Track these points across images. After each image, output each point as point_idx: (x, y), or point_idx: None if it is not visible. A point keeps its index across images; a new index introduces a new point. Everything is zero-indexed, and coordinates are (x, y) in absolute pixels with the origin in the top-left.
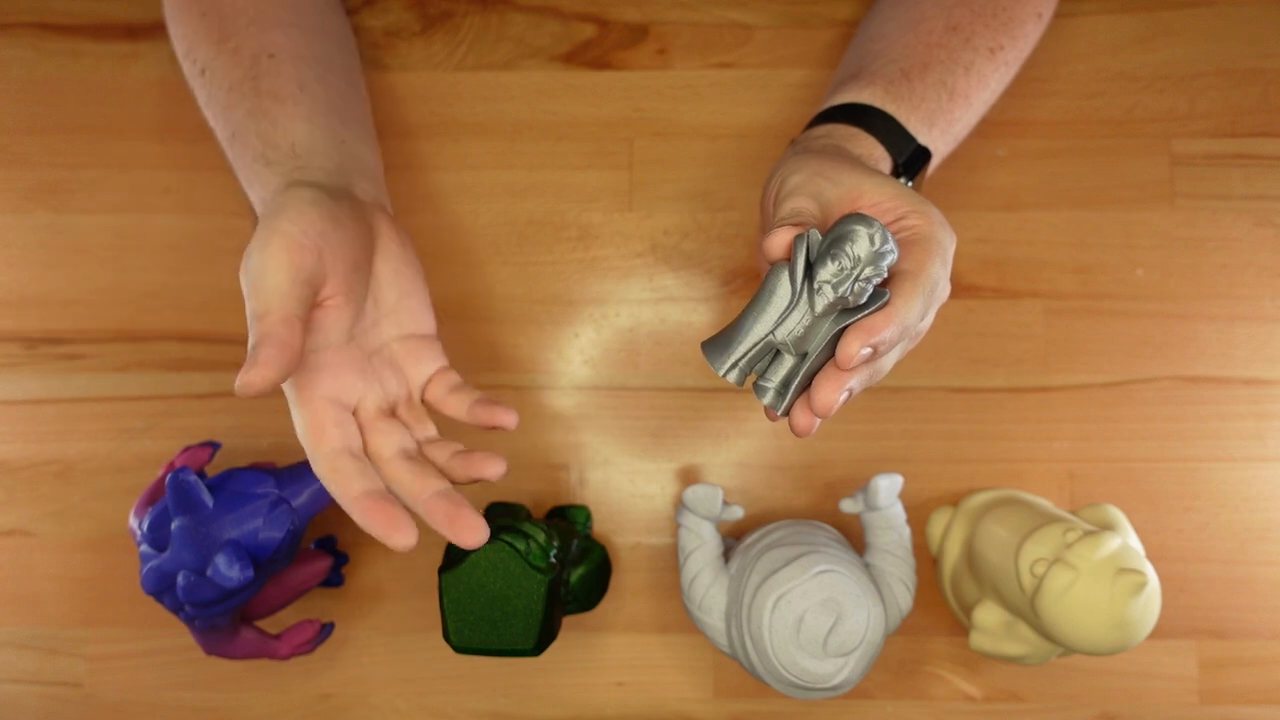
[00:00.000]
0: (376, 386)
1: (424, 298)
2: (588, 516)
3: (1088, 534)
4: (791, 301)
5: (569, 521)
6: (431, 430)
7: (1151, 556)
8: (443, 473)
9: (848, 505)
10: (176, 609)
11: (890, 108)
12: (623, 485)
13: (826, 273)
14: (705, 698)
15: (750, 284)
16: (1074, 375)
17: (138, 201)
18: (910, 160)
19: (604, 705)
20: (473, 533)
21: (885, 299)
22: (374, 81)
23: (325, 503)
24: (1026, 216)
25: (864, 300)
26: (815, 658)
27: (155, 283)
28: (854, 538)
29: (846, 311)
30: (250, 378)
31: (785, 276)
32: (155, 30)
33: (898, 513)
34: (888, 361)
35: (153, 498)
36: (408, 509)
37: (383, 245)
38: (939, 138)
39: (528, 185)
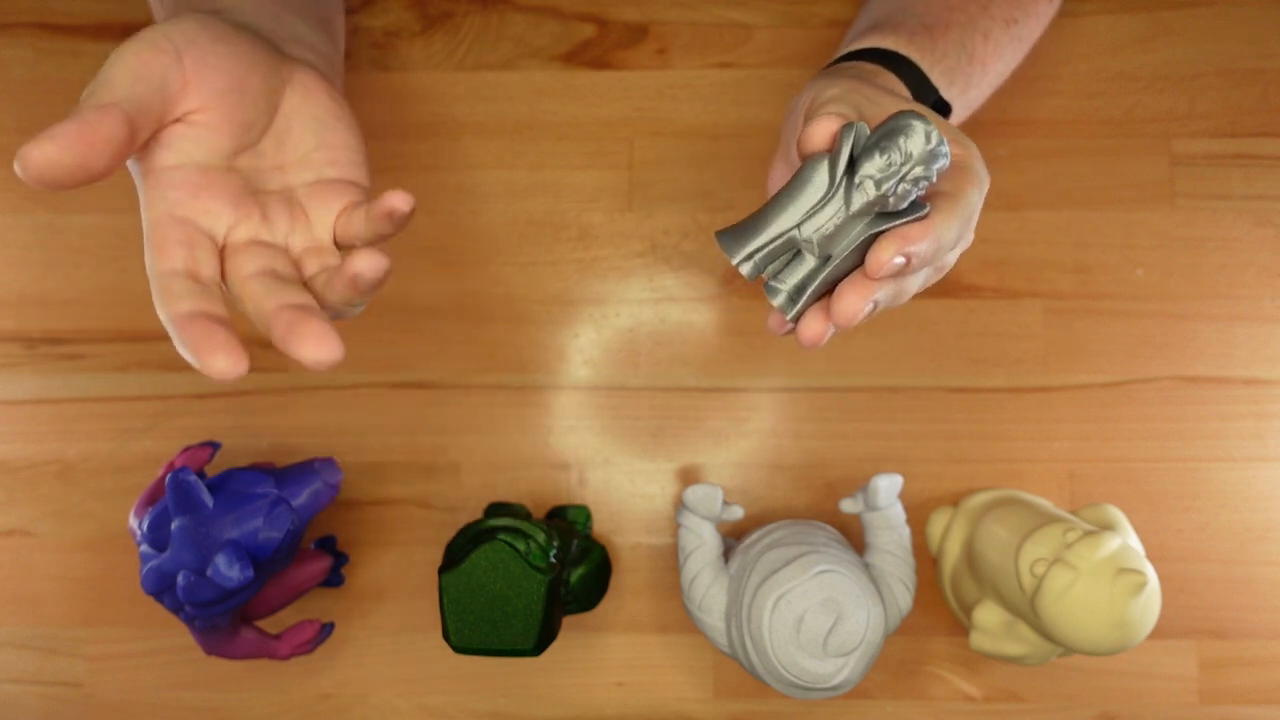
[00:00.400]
0: (256, 219)
1: (354, 151)
2: (588, 516)
3: (1088, 534)
4: (827, 194)
5: (569, 521)
6: (334, 262)
7: (1151, 556)
8: (325, 297)
9: (848, 505)
10: (176, 609)
11: (914, 56)
12: (623, 485)
13: (872, 167)
14: (705, 698)
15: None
16: (1074, 375)
17: (137, 201)
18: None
19: (604, 705)
20: (315, 342)
21: (925, 211)
22: (374, 81)
23: (325, 502)
24: (1027, 216)
25: (903, 206)
26: (815, 658)
27: None
28: (854, 538)
29: (881, 216)
30: (30, 148)
31: (824, 166)
32: None
33: (897, 513)
34: (913, 284)
35: (153, 498)
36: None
37: (303, 89)
38: (958, 97)
39: (528, 185)
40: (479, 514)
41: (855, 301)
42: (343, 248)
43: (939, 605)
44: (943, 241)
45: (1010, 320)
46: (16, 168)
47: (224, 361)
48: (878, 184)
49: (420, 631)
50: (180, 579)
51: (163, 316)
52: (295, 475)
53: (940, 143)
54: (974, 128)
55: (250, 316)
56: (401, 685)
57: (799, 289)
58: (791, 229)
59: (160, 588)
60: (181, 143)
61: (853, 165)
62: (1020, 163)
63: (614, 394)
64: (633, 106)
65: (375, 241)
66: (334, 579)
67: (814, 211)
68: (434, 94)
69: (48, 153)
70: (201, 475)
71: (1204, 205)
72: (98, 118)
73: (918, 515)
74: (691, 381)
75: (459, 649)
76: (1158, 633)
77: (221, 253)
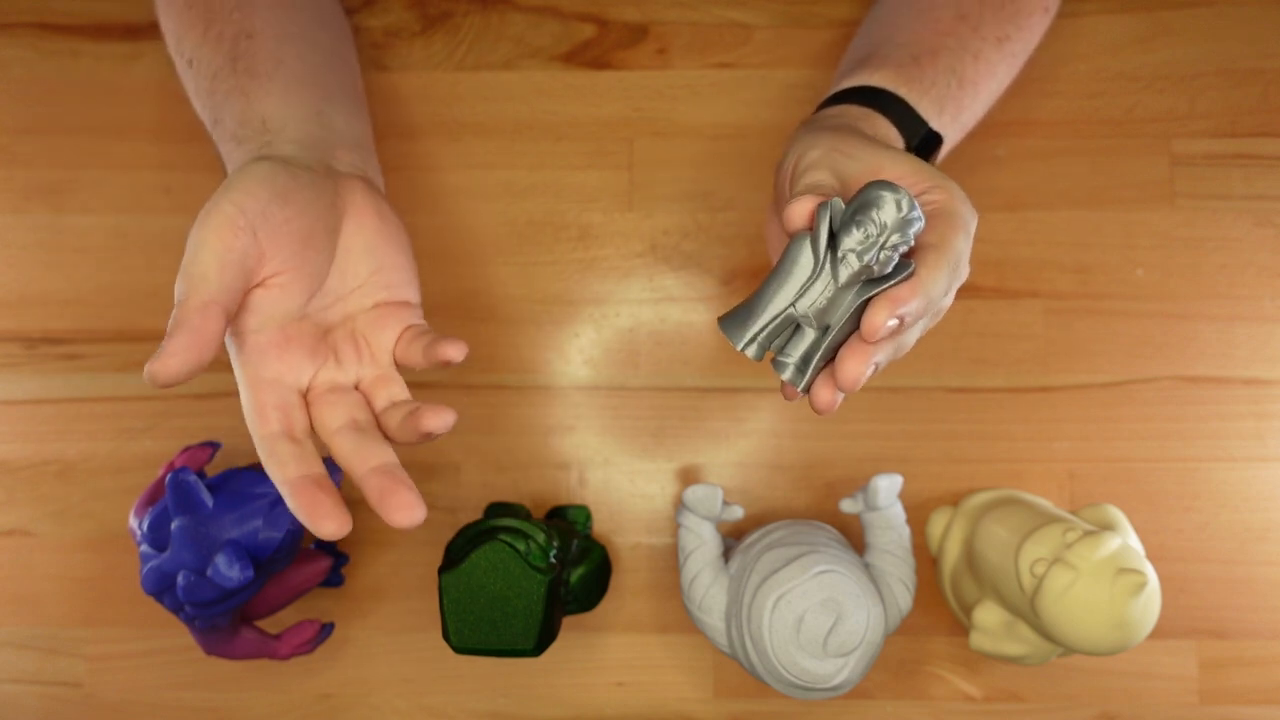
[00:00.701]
0: (331, 364)
1: (404, 271)
2: (588, 516)
3: (1088, 534)
4: (814, 272)
5: (569, 521)
6: (399, 392)
7: (1151, 556)
8: (396, 437)
9: (848, 505)
10: (176, 609)
11: (901, 91)
12: (623, 485)
13: (852, 241)
14: (705, 698)
15: (750, 283)
16: (1074, 375)
17: (137, 201)
18: (921, 145)
19: (604, 705)
20: (404, 511)
21: (911, 269)
22: (374, 81)
23: None
24: (1026, 216)
25: (889, 271)
26: (815, 658)
27: (155, 283)
28: (854, 538)
29: (871, 283)
30: (155, 367)
31: (807, 246)
32: (155, 30)
33: (897, 513)
34: (911, 336)
35: (153, 498)
36: (356, 492)
37: (356, 218)
38: (949, 124)
39: (528, 185)
40: (479, 514)
41: (856, 367)
42: (402, 368)
43: (939, 605)
44: (932, 295)
45: (1010, 320)
46: (145, 378)
47: (332, 526)
48: (859, 256)
49: (420, 631)
50: (180, 579)
51: (272, 475)
52: None
53: (911, 208)
54: (974, 128)
55: (338, 463)
56: (401, 685)
57: (804, 360)
58: (787, 308)
59: (160, 588)
60: (262, 305)
61: (834, 239)
62: (1020, 163)
63: (614, 394)
64: (633, 106)
65: (431, 369)
66: (334, 579)
67: (805, 288)
68: (434, 94)
69: (170, 368)
70: (201, 475)
71: (1204, 205)
72: (202, 322)
73: (918, 515)
74: (691, 381)
75: (459, 649)
76: (1158, 633)
77: (306, 396)
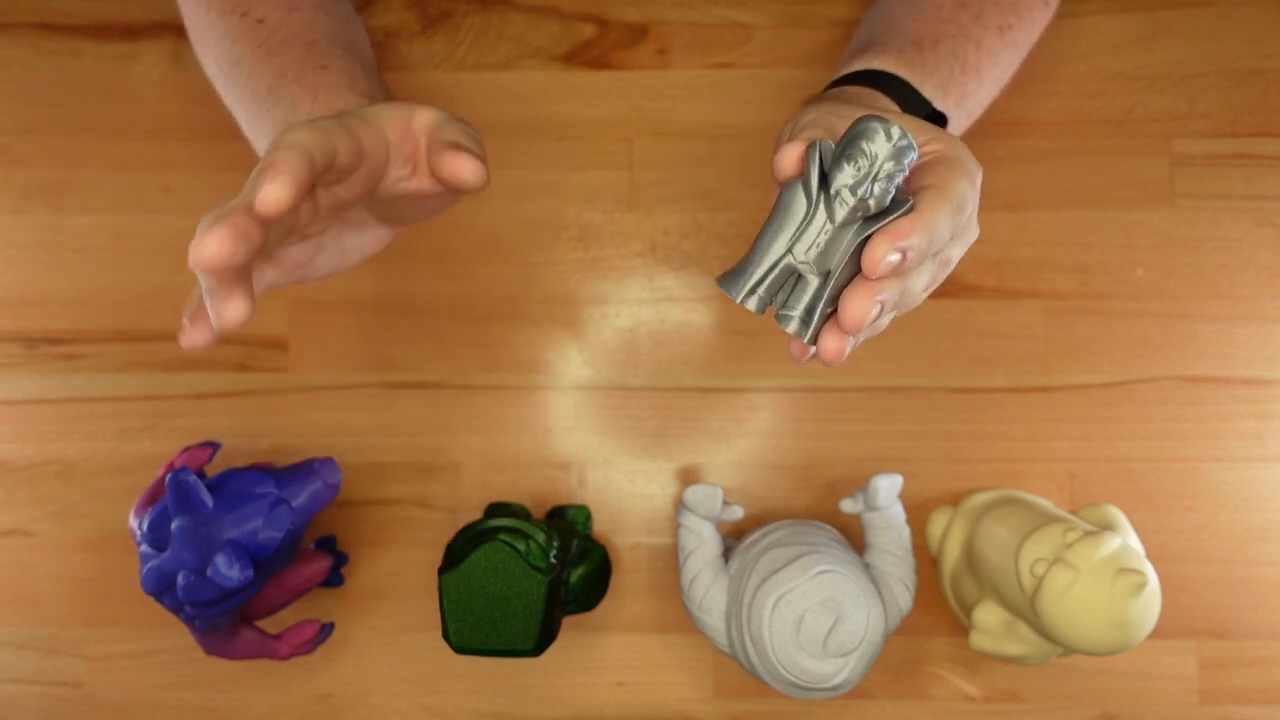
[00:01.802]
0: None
1: (344, 264)
2: (588, 516)
3: (1088, 534)
4: (808, 213)
5: (569, 521)
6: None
7: (1151, 556)
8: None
9: (848, 505)
10: (176, 609)
11: (903, 73)
12: (623, 485)
13: (844, 176)
14: (705, 698)
15: None
16: (1074, 375)
17: (137, 201)
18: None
19: (604, 705)
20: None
21: (910, 204)
22: None
23: (325, 502)
24: (1026, 216)
25: (887, 205)
26: (815, 658)
27: (155, 283)
28: (854, 538)
29: (869, 220)
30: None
31: (799, 190)
32: (155, 30)
33: (897, 513)
34: (917, 284)
35: (153, 498)
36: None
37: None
38: (953, 108)
39: (528, 185)
40: (479, 514)
41: (861, 305)
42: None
43: (939, 605)
44: (935, 232)
45: (1010, 320)
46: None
47: (239, 306)
48: (853, 190)
49: (420, 631)
50: (180, 579)
51: (251, 186)
52: (295, 475)
53: (902, 136)
54: (973, 128)
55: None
56: (401, 685)
57: (809, 311)
58: (784, 255)
59: (160, 588)
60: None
61: (826, 181)
62: (1020, 163)
63: (614, 394)
64: (633, 106)
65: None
66: (334, 579)
67: (801, 232)
68: (434, 94)
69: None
70: (201, 475)
71: (1204, 205)
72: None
73: (918, 515)
74: (691, 381)
75: (459, 649)
76: (1158, 633)
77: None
